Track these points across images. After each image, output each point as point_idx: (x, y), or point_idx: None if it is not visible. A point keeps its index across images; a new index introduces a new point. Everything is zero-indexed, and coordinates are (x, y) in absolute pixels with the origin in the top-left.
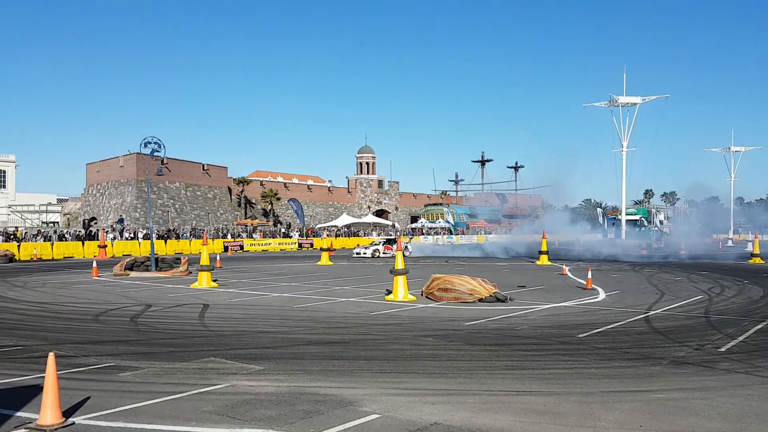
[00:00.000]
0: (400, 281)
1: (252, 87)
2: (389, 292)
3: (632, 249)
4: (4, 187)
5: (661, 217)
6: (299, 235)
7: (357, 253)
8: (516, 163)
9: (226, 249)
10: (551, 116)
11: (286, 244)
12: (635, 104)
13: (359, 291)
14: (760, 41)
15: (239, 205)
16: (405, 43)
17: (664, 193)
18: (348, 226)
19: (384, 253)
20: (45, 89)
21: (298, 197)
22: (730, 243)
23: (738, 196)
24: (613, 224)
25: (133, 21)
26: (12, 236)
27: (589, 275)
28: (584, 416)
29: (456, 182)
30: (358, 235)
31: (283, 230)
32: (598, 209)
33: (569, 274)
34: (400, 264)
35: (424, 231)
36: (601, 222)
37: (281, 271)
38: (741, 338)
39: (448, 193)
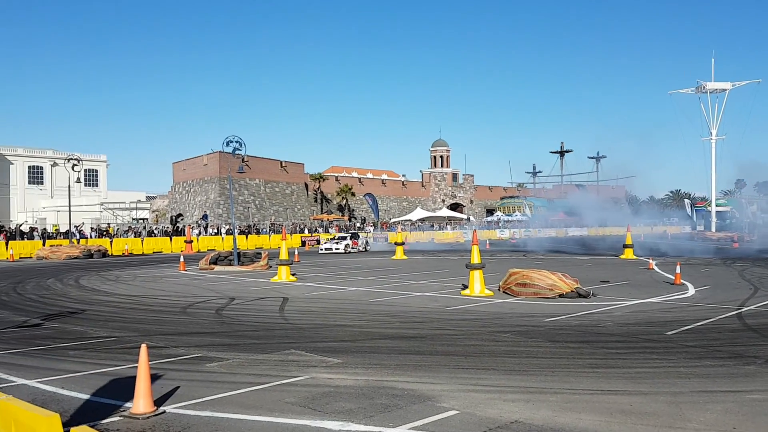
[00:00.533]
0: (477, 276)
1: (326, 84)
2: (465, 287)
3: (723, 242)
4: (97, 185)
5: (754, 208)
6: (374, 230)
7: (327, 249)
8: (597, 154)
9: (303, 244)
10: (635, 104)
11: None
12: (724, 90)
13: (434, 285)
14: None
15: (315, 201)
16: (479, 33)
17: (758, 182)
18: (422, 220)
19: (351, 248)
20: (134, 92)
21: (372, 192)
22: None
23: None
24: (702, 216)
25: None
26: (105, 232)
27: (678, 270)
28: (674, 417)
29: (534, 174)
30: (433, 229)
31: (358, 225)
32: (686, 200)
33: (656, 268)
34: (476, 258)
35: (500, 224)
36: (690, 214)
37: (357, 265)
38: None
39: (525, 185)
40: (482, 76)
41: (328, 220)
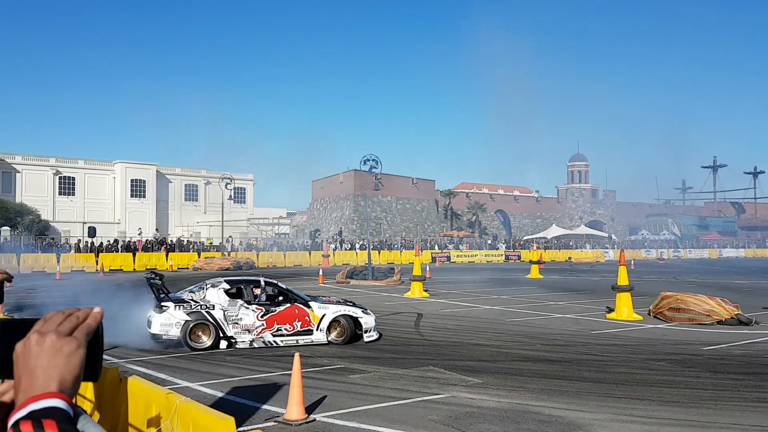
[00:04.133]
0: (625, 298)
1: (457, 99)
2: (610, 310)
3: None
4: (244, 202)
5: None
6: (506, 247)
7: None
8: (755, 168)
9: (434, 260)
10: None
11: (492, 255)
12: None
13: (575, 307)
14: None
15: (446, 217)
16: (614, 43)
17: None
18: (558, 238)
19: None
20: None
21: (504, 208)
22: None
23: None
24: None
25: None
26: (252, 246)
27: None
28: None
29: (683, 191)
30: (570, 248)
31: (489, 242)
32: None
33: None
34: (624, 279)
35: (645, 243)
36: None
37: (491, 282)
38: None
39: (673, 202)
40: (624, 84)
41: (458, 236)
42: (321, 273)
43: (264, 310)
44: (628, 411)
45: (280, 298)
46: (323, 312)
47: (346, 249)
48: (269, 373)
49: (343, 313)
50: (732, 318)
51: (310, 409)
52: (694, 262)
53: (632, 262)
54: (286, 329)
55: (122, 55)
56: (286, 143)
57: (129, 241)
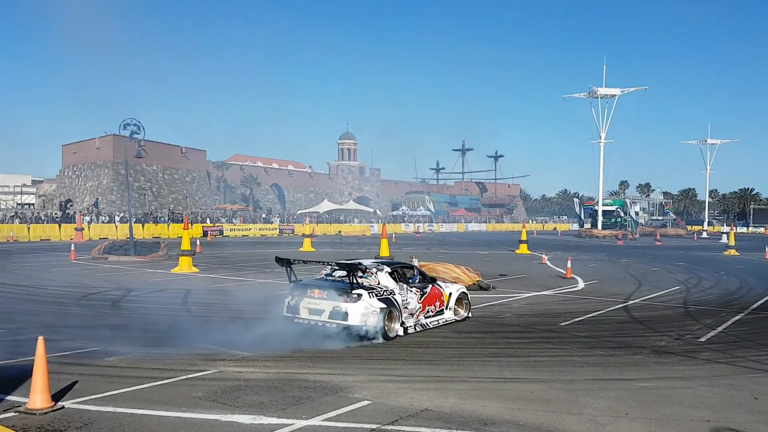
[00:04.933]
0: None
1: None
2: None
3: (608, 239)
4: None
5: (637, 208)
6: (280, 221)
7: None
8: (496, 153)
9: (205, 234)
10: (533, 107)
11: (266, 229)
12: (614, 96)
13: None
14: (738, 36)
15: (218, 189)
16: (395, 32)
17: (639, 184)
18: (329, 213)
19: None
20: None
21: (278, 182)
22: (704, 234)
23: (713, 189)
24: (590, 215)
25: None
26: None
27: (569, 264)
28: (571, 403)
29: (437, 171)
30: (340, 222)
31: (263, 216)
32: (575, 199)
33: (549, 263)
34: (385, 251)
35: (405, 219)
36: (578, 212)
37: (264, 256)
38: (720, 329)
39: (428, 181)
40: (392, 71)
41: (231, 210)
42: (73, 248)
43: (421, 293)
44: (385, 372)
45: (424, 278)
46: (449, 290)
47: (104, 222)
48: (8, 360)
49: (461, 290)
50: (474, 284)
51: (58, 396)
52: (446, 235)
53: (393, 235)
54: (431, 310)
55: None
56: (31, 98)
57: None
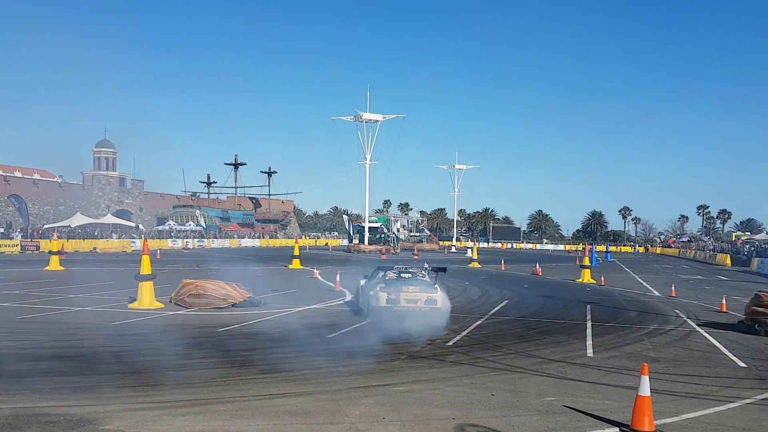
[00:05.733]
0: (147, 287)
1: None
2: (133, 300)
3: (374, 254)
4: None
5: (398, 225)
6: (22, 237)
7: None
8: (269, 169)
9: None
10: (306, 126)
11: (6, 246)
12: (377, 121)
13: (97, 299)
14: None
15: None
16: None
17: (400, 203)
18: (83, 227)
19: None
20: None
21: (21, 193)
22: (453, 249)
23: (461, 208)
24: (358, 231)
25: None
26: None
27: (338, 278)
28: (333, 413)
29: (208, 184)
30: (96, 237)
31: (1, 230)
32: (345, 216)
33: (320, 277)
34: (146, 269)
35: (172, 234)
36: (348, 229)
37: (1, 276)
38: (464, 333)
39: (199, 195)
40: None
41: None
42: None
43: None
44: (142, 399)
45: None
46: None
47: None
48: None
49: None
50: (245, 300)
51: None
52: (217, 251)
53: (158, 252)
54: None
55: None
56: None
57: None
